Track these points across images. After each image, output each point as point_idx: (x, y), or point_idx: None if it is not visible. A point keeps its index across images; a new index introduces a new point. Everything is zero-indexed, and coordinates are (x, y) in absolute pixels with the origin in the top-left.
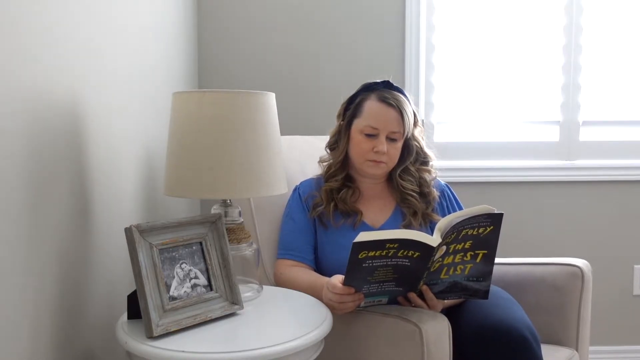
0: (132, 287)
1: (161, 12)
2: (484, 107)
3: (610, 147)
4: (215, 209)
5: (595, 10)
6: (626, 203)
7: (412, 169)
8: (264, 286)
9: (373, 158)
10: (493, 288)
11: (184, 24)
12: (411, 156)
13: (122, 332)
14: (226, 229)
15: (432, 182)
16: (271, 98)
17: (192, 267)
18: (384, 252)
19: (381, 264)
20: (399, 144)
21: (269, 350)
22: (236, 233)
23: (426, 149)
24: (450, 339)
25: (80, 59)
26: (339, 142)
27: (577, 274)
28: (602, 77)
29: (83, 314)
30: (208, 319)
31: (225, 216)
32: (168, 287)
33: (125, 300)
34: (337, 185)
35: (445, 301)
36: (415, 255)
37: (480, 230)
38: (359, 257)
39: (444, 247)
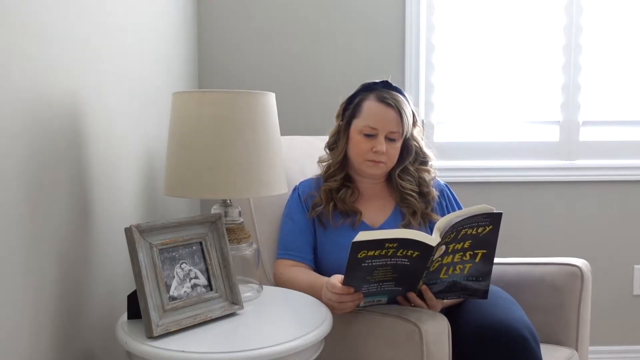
0: (132, 287)
1: (161, 12)
2: (483, 107)
3: (610, 147)
4: (215, 209)
5: (595, 10)
6: (626, 203)
7: (412, 168)
8: (264, 286)
9: (372, 158)
10: (492, 288)
11: (184, 24)
12: (410, 156)
13: (122, 332)
14: (226, 229)
15: (432, 181)
16: (271, 98)
17: (192, 267)
18: (383, 251)
19: (380, 263)
20: (398, 144)
21: (269, 350)
22: (236, 233)
23: (425, 149)
24: (449, 338)
25: (80, 59)
26: (338, 142)
27: (577, 274)
28: (602, 77)
29: (83, 314)
30: (208, 319)
31: (225, 216)
32: (168, 287)
33: (125, 300)
34: (337, 185)
35: (445, 301)
36: (414, 255)
37: (480, 230)
38: (358, 256)
39: (443, 247)
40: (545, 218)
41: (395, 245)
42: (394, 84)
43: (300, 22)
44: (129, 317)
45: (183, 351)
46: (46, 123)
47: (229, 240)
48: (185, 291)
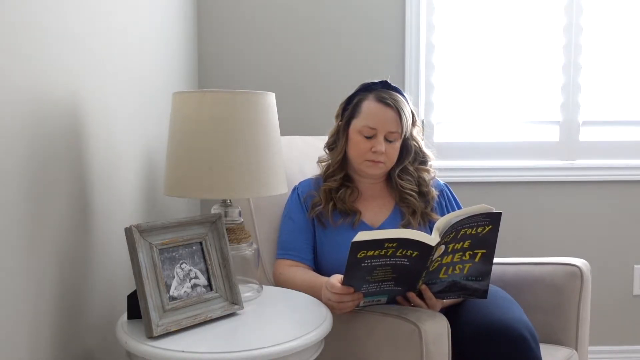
0: (132, 287)
1: (161, 12)
2: (483, 107)
3: (610, 147)
4: (215, 209)
5: (595, 10)
6: (626, 203)
7: (411, 168)
8: (264, 286)
9: (371, 158)
10: (492, 287)
11: (184, 24)
12: (410, 156)
13: (122, 332)
14: (226, 229)
15: (431, 181)
16: (271, 98)
17: (192, 267)
18: (383, 251)
19: (380, 263)
20: (397, 144)
21: (269, 350)
22: (236, 233)
23: (425, 149)
24: (449, 338)
25: (80, 59)
26: (338, 142)
27: (576, 274)
28: (602, 77)
29: (83, 314)
30: (208, 319)
31: (225, 216)
32: (168, 287)
33: (125, 300)
34: (336, 185)
35: (444, 301)
36: (414, 255)
37: (479, 230)
38: (358, 256)
39: (443, 247)
40: (545, 218)
41: (394, 245)
42: (393, 84)
43: (300, 22)
44: (129, 317)
45: (183, 351)
46: (46, 123)
47: (229, 240)
48: (185, 291)
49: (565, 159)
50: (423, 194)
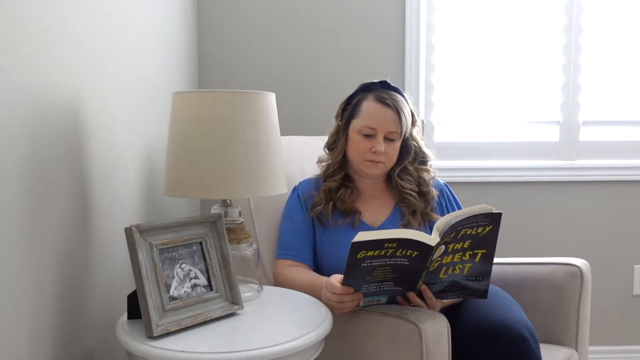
0: (132, 287)
1: (161, 12)
2: (483, 107)
3: (610, 147)
4: (215, 209)
5: (595, 10)
6: (626, 203)
7: (411, 168)
8: (264, 286)
9: (371, 158)
10: (492, 288)
11: (184, 24)
12: (409, 156)
13: (122, 332)
14: (226, 229)
15: (431, 181)
16: (271, 98)
17: (192, 267)
18: (383, 251)
19: (380, 263)
20: (397, 144)
21: (269, 350)
22: (236, 233)
23: (425, 149)
24: (449, 338)
25: (80, 59)
26: (337, 142)
27: (576, 274)
28: (602, 77)
29: (83, 314)
30: (208, 319)
31: (225, 216)
32: (168, 287)
33: (125, 300)
34: (336, 185)
35: (444, 300)
36: (413, 255)
37: (479, 230)
38: (358, 257)
39: (443, 247)
40: (545, 218)
41: (394, 245)
42: (393, 84)
43: (300, 22)
44: (129, 317)
45: (183, 351)
46: (46, 123)
47: (229, 240)
48: (185, 291)
49: (565, 159)
50: (423, 194)
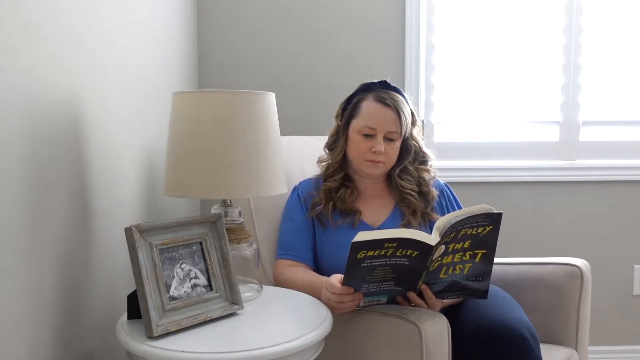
0: (132, 287)
1: (161, 12)
2: (483, 107)
3: (610, 147)
4: (215, 209)
5: (595, 10)
6: (626, 203)
7: (411, 168)
8: (264, 286)
9: (371, 158)
10: (492, 288)
11: (184, 24)
12: (410, 156)
13: (122, 332)
14: (226, 229)
15: (431, 181)
16: (271, 98)
17: (192, 267)
18: (383, 251)
19: (380, 263)
20: (397, 144)
21: (269, 350)
22: (236, 233)
23: (425, 149)
24: (449, 338)
25: (80, 59)
26: (337, 142)
27: (576, 274)
28: (602, 77)
29: (83, 314)
30: (208, 319)
31: (225, 216)
32: (168, 287)
33: (125, 300)
34: (336, 184)
35: (445, 301)
36: (414, 255)
37: (479, 230)
38: (358, 256)
39: (443, 247)
40: (545, 218)
41: (394, 245)
42: (392, 84)
43: (300, 22)
44: (129, 317)
45: (183, 351)
46: (46, 123)
47: (229, 240)
48: (185, 291)
49: (565, 159)
50: (423, 194)
